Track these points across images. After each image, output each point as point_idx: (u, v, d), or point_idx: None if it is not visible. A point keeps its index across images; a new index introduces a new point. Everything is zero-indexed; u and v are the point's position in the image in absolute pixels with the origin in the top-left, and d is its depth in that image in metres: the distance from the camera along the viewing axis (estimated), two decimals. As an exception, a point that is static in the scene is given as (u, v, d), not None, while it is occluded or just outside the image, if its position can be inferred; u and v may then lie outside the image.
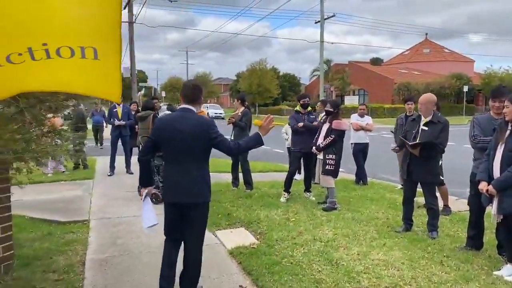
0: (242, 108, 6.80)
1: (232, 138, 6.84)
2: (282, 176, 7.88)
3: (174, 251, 3.11)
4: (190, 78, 65.06)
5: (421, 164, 4.52)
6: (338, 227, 4.84)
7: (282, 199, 6.25)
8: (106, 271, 3.64)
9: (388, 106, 36.60)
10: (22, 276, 3.43)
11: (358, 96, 44.45)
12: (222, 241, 4.48)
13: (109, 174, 8.55)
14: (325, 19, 28.38)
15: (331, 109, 5.85)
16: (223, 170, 8.66)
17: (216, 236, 4.65)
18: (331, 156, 5.77)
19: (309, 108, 6.39)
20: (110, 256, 4.00)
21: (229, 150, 2.98)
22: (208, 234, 4.70)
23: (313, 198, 6.43)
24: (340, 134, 5.77)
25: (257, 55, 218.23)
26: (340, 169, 9.65)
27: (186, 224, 3.00)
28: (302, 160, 6.59)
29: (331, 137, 5.73)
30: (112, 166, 8.67)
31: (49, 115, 3.81)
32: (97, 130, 14.07)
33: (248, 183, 6.82)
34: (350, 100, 41.80)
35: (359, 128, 7.70)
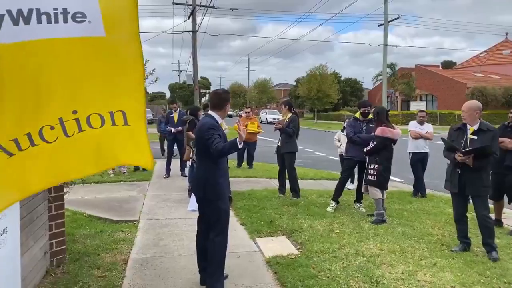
0: (290, 114, 6.71)
1: (279, 144, 6.79)
2: (333, 184, 7.62)
3: (201, 237, 3.50)
4: (251, 84, 66.35)
5: (474, 176, 4.12)
6: (384, 242, 4.54)
7: (329, 209, 6.03)
8: (145, 271, 3.77)
9: (459, 112, 33.78)
10: (70, 270, 3.68)
11: (425, 102, 41.82)
12: (262, 249, 4.42)
13: (164, 176, 8.94)
14: (389, 21, 27.21)
15: (375, 116, 5.62)
16: (274, 176, 8.61)
17: (256, 244, 4.61)
18: (372, 165, 5.49)
19: (370, 116, 6.08)
20: (151, 256, 4.14)
21: (212, 151, 3.09)
22: (248, 241, 4.71)
23: (363, 210, 6.12)
24: (383, 142, 5.44)
25: (319, 60, 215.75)
26: (398, 180, 9.28)
27: (203, 216, 3.46)
28: (356, 169, 6.32)
29: (372, 144, 5.44)
30: (167, 169, 9.05)
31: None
32: (165, 139, 12.19)
33: (295, 190, 6.69)
34: (417, 106, 39.32)
35: (418, 136, 7.20)
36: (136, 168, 9.78)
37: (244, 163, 10.57)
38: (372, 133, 5.82)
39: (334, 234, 4.85)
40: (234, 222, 5.47)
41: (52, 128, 1.76)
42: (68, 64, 1.86)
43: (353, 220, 5.53)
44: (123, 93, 1.99)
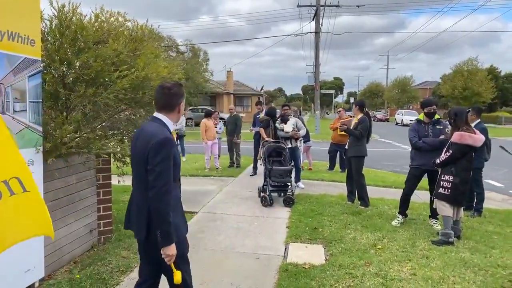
0: (360, 115, 6.17)
1: (347, 147, 6.31)
2: (423, 195, 6.73)
3: None
4: (389, 83, 62.16)
5: None
6: (426, 267, 3.80)
7: (394, 223, 5.34)
8: (163, 258, 4.08)
9: None
10: (107, 248, 4.27)
11: None
12: (288, 254, 4.26)
13: (251, 174, 9.29)
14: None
15: (452, 118, 4.68)
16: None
17: (286, 248, 4.46)
18: (447, 177, 4.61)
19: (436, 116, 5.20)
20: (179, 246, 4.44)
21: (150, 193, 2.14)
22: (279, 245, 4.62)
23: (439, 227, 5.20)
24: (461, 150, 4.50)
25: (480, 53, 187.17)
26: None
27: None
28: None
29: (449, 152, 4.56)
30: (254, 167, 9.39)
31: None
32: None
33: (362, 199, 6.13)
34: None
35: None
36: (231, 165, 10.41)
37: (337, 166, 10.12)
38: (441, 137, 4.95)
39: (373, 249, 4.31)
40: (281, 224, 5.39)
41: None
42: None
43: (413, 237, 4.78)
44: (16, 159, 1.82)
